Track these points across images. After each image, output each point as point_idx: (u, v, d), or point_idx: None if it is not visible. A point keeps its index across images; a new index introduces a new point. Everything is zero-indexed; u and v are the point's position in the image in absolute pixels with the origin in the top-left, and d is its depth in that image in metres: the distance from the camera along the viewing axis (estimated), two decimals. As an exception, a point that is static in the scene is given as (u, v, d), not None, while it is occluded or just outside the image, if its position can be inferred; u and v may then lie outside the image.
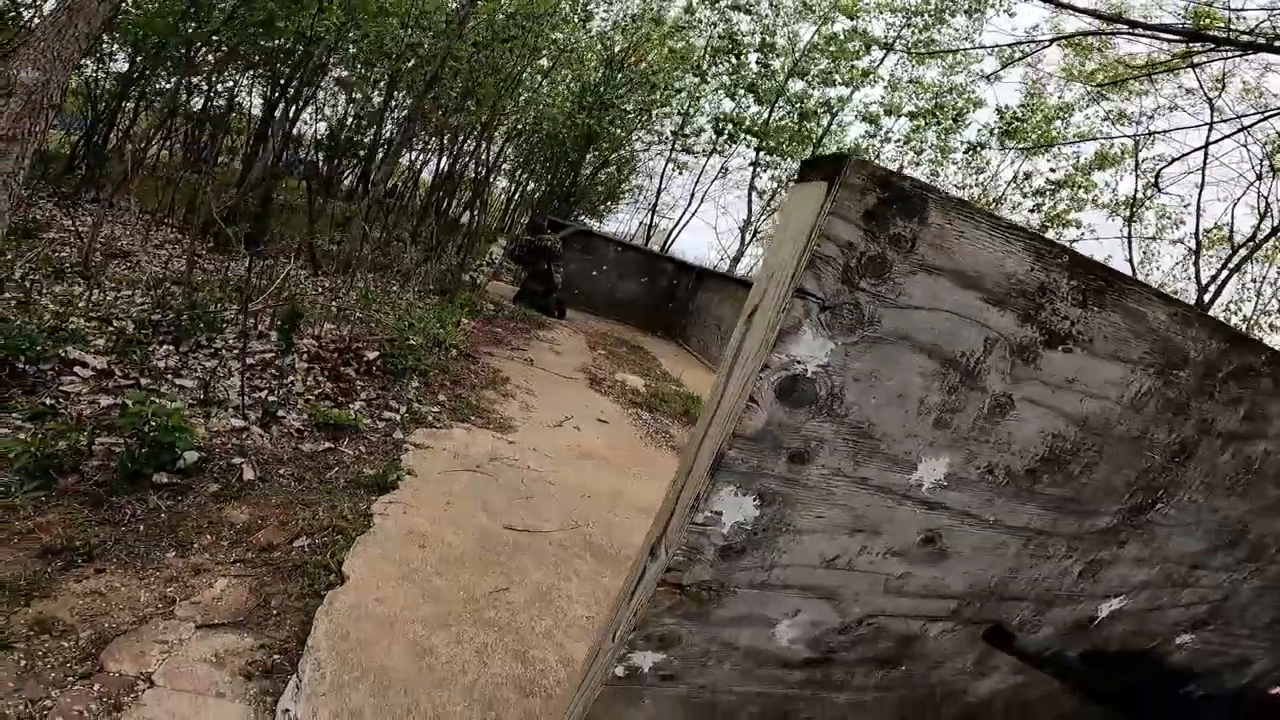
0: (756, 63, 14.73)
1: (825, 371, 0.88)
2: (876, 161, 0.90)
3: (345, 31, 10.03)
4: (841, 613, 1.10)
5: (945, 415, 0.98)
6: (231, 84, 13.02)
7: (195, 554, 2.29)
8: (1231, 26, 6.21)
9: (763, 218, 16.26)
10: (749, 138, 15.35)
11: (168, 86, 11.17)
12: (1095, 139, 12.04)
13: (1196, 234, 11.67)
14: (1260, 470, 1.31)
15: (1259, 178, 10.00)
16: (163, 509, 2.46)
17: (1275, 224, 10.67)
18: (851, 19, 13.95)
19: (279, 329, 4.14)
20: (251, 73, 12.85)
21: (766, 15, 14.54)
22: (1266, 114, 7.18)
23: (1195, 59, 6.96)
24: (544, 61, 12.53)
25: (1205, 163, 10.00)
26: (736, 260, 15.73)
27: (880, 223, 0.85)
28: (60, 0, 3.28)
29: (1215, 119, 8.77)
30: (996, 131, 13.96)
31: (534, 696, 2.02)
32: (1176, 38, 6.14)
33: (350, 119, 15.44)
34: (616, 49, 13.69)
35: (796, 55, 14.39)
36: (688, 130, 16.06)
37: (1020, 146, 13.60)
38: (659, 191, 16.67)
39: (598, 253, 10.79)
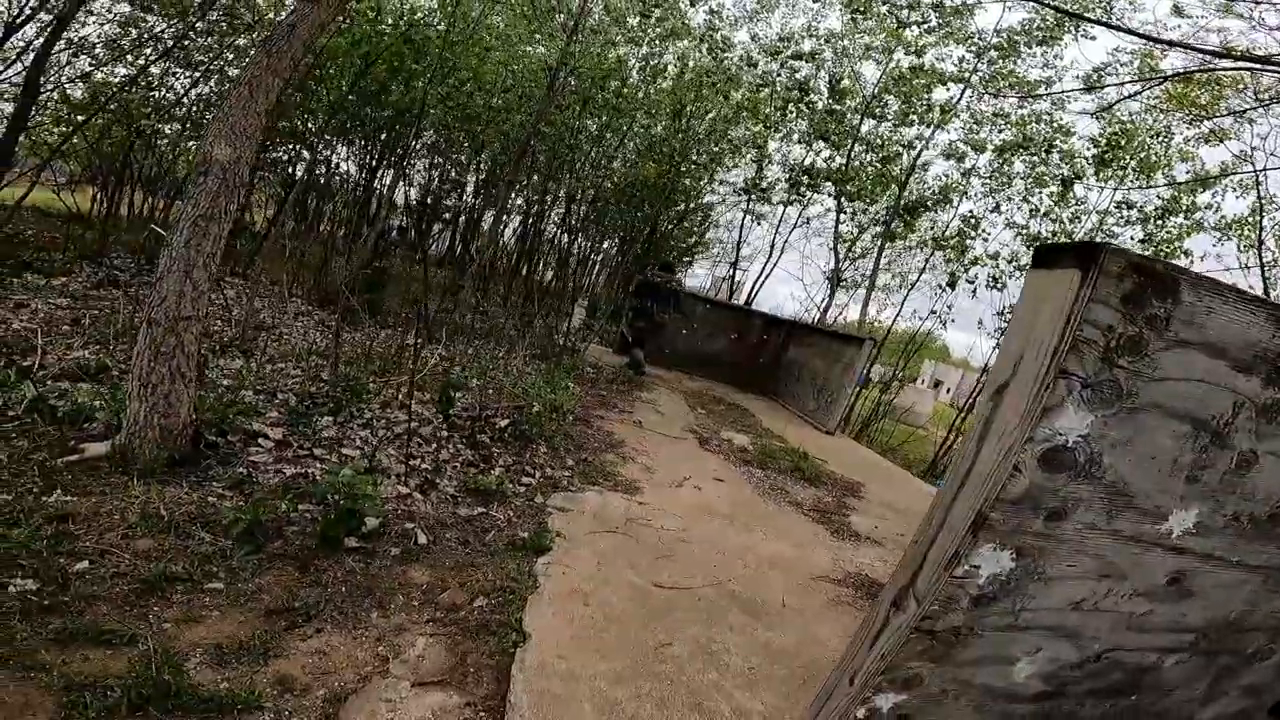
0: (824, 110, 14.80)
1: (1085, 440, 1.05)
2: (1127, 248, 1.04)
3: (445, 100, 10.98)
4: (1080, 649, 1.24)
5: (1195, 471, 1.12)
6: (329, 153, 13.98)
7: (394, 614, 2.59)
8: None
9: (847, 265, 16.17)
10: (827, 183, 15.37)
11: (282, 157, 12.28)
12: (1214, 178, 11.61)
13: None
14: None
15: None
16: (357, 571, 2.79)
17: None
18: (918, 55, 13.87)
19: (439, 402, 4.58)
20: (350, 142, 13.96)
21: (828, 59, 14.64)
22: None
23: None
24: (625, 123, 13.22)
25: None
26: (825, 310, 15.75)
27: (1137, 305, 1.00)
28: (241, 75, 3.39)
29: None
30: (1092, 160, 13.51)
31: (719, 750, 2.17)
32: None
33: (438, 184, 16.46)
34: (684, 104, 14.23)
35: (866, 96, 14.41)
36: (762, 182, 16.25)
37: (1133, 186, 13.14)
38: (739, 244, 16.98)
39: (686, 310, 11.11)
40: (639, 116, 13.61)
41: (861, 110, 14.33)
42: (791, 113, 15.10)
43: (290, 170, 12.91)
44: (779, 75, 15.03)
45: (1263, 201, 11.39)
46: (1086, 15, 9.54)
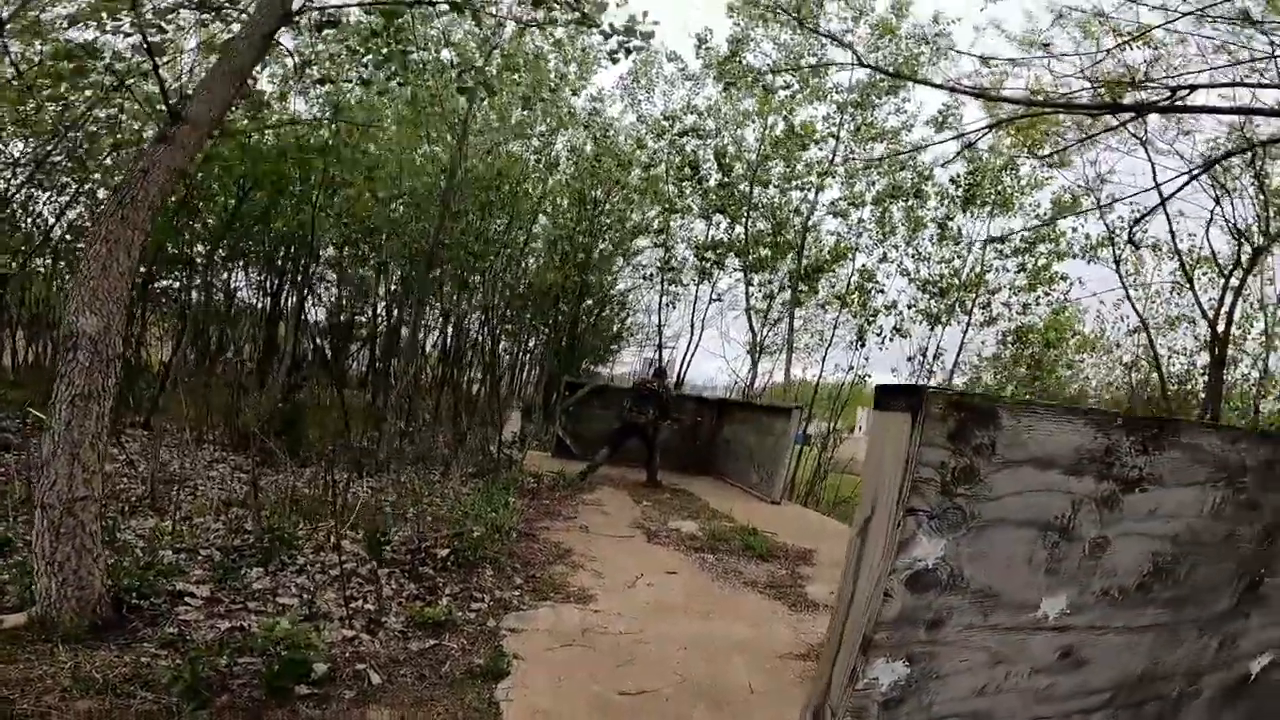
0: (718, 184, 15.44)
1: (943, 560, 1.20)
2: (946, 390, 1.20)
3: (341, 216, 10.95)
4: (999, 727, 1.36)
5: (1053, 565, 1.30)
6: (227, 276, 13.50)
7: (359, 760, 2.50)
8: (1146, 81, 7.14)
9: (765, 331, 16.56)
10: (733, 257, 15.94)
11: (174, 285, 11.78)
12: (1063, 214, 12.94)
13: (1187, 273, 12.36)
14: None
15: (1216, 201, 10.69)
16: (314, 718, 2.70)
17: (1256, 244, 11.34)
18: (789, 118, 14.76)
19: (368, 546, 4.51)
20: (248, 267, 13.61)
21: (711, 129, 15.40)
22: (1207, 163, 8.03)
23: (1116, 120, 7.92)
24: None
25: (1168, 214, 10.80)
26: (751, 382, 16.20)
27: (963, 439, 1.16)
28: (94, 231, 3.12)
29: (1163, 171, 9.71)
30: (959, 200, 14.52)
31: None
32: (1092, 110, 7.02)
33: (348, 302, 16.24)
34: (584, 192, 14.72)
35: (751, 162, 15.15)
36: (671, 262, 16.70)
37: (991, 219, 14.18)
38: (660, 327, 17.41)
39: (617, 404, 11.25)
40: (543, 210, 14.04)
41: (750, 178, 15.07)
42: (687, 189, 15.80)
43: (184, 299, 12.42)
44: (669, 154, 15.72)
45: (1112, 232, 12.73)
46: (903, 74, 10.71)
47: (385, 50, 5.67)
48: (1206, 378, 12.47)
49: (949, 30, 13.28)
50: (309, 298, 14.38)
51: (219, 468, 7.69)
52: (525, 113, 12.88)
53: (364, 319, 16.99)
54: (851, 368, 15.99)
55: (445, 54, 10.59)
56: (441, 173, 11.45)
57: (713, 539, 6.52)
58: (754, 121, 15.31)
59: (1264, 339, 12.86)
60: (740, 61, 14.09)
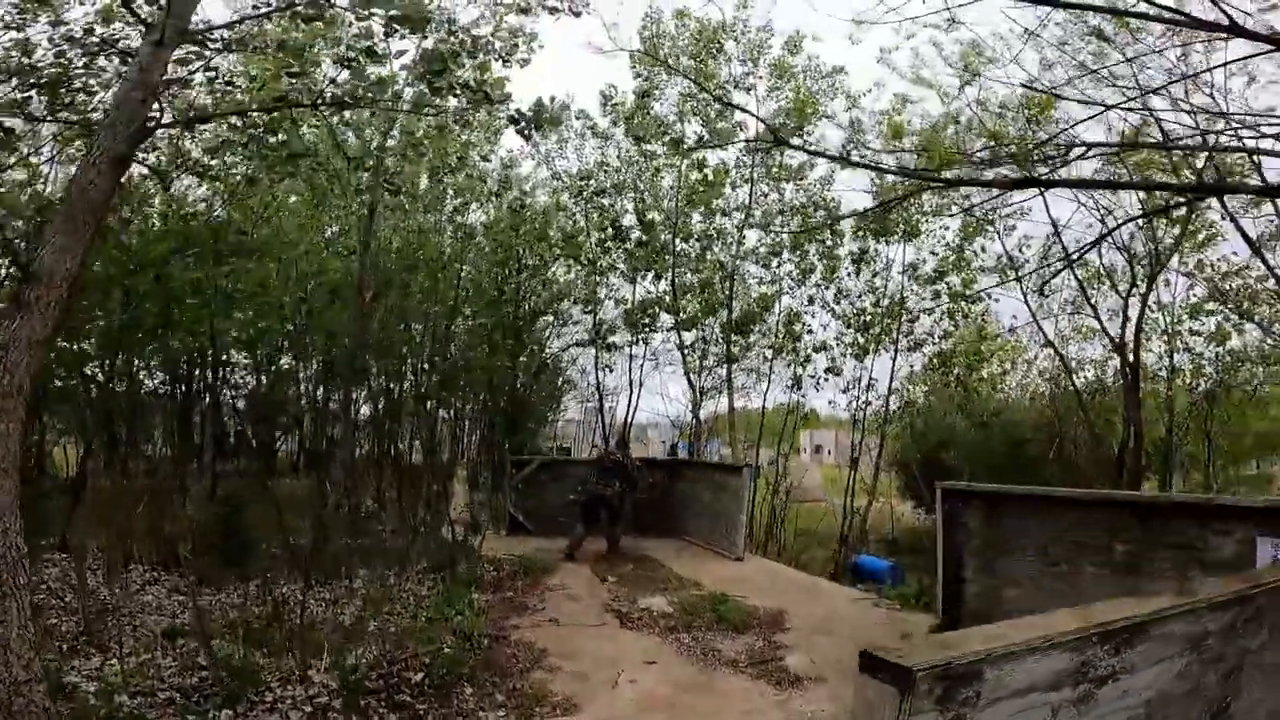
0: (637, 243, 15.55)
1: None
2: (936, 664, 1.25)
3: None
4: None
5: None
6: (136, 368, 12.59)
7: None
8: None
9: (705, 379, 16.70)
10: (665, 315, 16.03)
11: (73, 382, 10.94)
12: (975, 295, 13.98)
13: (1094, 308, 13.45)
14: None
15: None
16: None
17: (1150, 264, 12.46)
18: (700, 169, 15.01)
19: (339, 677, 4.30)
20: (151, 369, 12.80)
21: (629, 183, 15.58)
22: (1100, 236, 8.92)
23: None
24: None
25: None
26: (696, 436, 16.38)
27: (949, 699, 1.22)
28: None
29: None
30: (869, 232, 14.97)
31: None
32: (993, 185, 7.63)
33: (270, 388, 15.51)
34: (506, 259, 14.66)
35: (670, 213, 15.31)
36: (601, 328, 16.60)
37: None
38: (599, 389, 17.32)
39: (566, 477, 11.17)
40: (466, 278, 13.90)
41: (672, 228, 15.29)
42: (610, 248, 15.91)
43: (90, 397, 11.59)
44: (589, 212, 15.81)
45: (1016, 265, 13.68)
46: (790, 142, 11.34)
47: (268, 151, 5.44)
48: (1124, 400, 13.36)
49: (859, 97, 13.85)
50: (226, 388, 13.68)
51: (154, 590, 7.22)
52: (435, 185, 12.79)
53: (290, 399, 16.28)
54: (791, 410, 16.46)
55: (345, 134, 10.28)
56: (351, 254, 11.24)
57: (685, 614, 6.50)
58: (668, 172, 15.53)
59: (1167, 338, 14.00)
60: (648, 114, 14.51)
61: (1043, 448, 16.33)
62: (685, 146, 14.33)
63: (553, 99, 5.52)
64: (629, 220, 15.81)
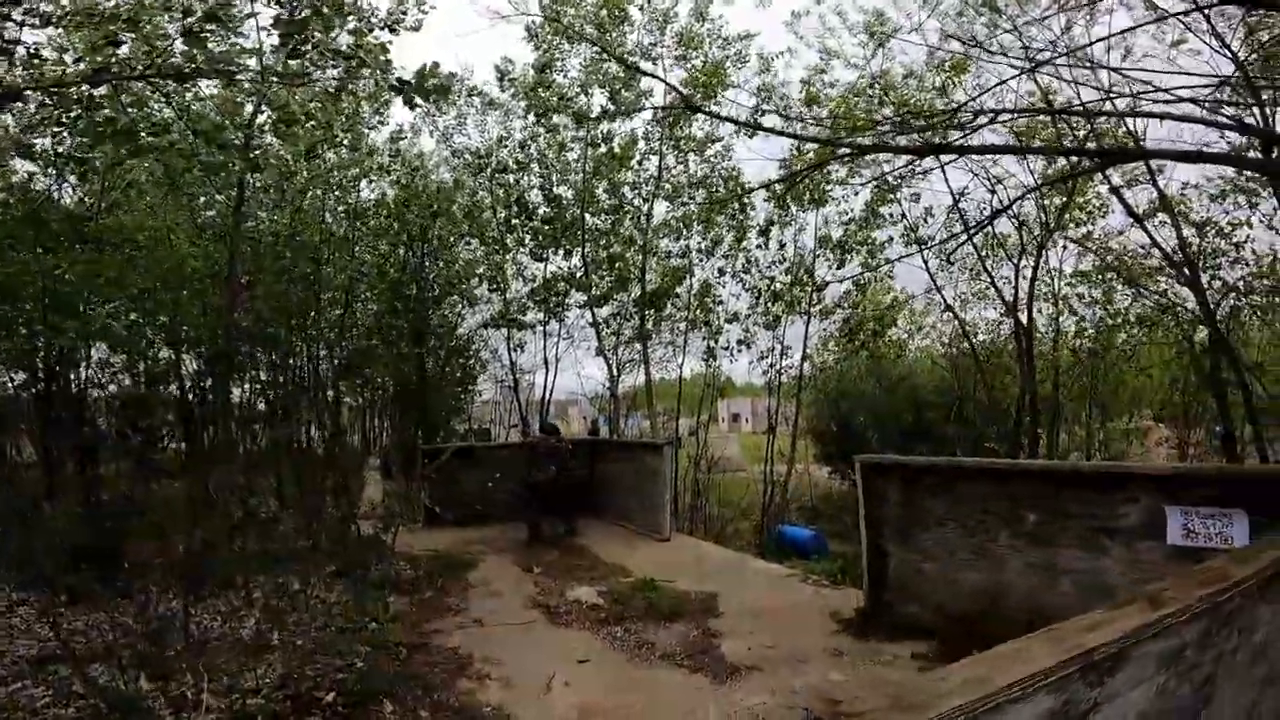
0: (543, 220, 15.16)
1: None
2: None
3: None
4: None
5: None
6: None
7: None
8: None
9: (621, 354, 16.58)
10: (574, 292, 15.73)
11: None
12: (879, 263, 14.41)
13: (989, 273, 14.12)
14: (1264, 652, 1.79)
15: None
16: None
17: (1038, 234, 13.19)
18: (607, 142, 14.67)
19: (243, 705, 3.91)
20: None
21: (535, 159, 15.12)
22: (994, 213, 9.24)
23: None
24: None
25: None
26: (616, 416, 16.22)
27: None
28: None
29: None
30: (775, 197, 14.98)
31: None
32: (902, 151, 7.79)
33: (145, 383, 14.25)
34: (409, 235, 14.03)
35: (576, 184, 14.90)
36: (510, 309, 16.10)
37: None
38: (513, 370, 16.84)
39: (483, 463, 10.84)
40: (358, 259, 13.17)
41: (580, 203, 14.93)
42: (516, 225, 15.48)
43: None
44: (492, 190, 15.27)
45: (920, 239, 14.17)
46: (703, 108, 11.27)
47: (99, 127, 4.83)
48: (1018, 360, 14.13)
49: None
50: (93, 387, 12.39)
51: (21, 610, 6.54)
52: (316, 160, 11.83)
53: (168, 396, 14.98)
54: (709, 385, 16.59)
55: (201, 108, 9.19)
56: (220, 239, 10.34)
57: (615, 604, 6.36)
58: (575, 146, 15.03)
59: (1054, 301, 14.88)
60: (549, 87, 13.95)
61: (945, 410, 17.17)
62: (591, 117, 13.90)
63: (435, 65, 5.04)
64: (535, 196, 15.37)
